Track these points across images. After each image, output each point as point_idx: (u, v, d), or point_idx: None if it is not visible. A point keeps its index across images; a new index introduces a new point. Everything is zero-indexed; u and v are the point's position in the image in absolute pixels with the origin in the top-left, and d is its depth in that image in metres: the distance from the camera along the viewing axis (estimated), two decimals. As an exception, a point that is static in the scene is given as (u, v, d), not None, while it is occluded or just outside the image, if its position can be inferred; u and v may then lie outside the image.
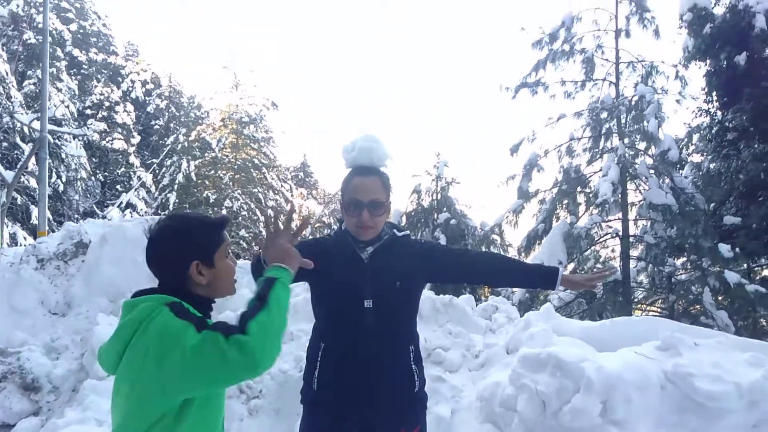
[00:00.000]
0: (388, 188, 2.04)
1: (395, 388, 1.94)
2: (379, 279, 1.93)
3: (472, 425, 3.80)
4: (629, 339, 4.16)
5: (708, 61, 10.28)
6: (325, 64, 69.24)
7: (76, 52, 25.22)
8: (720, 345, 3.82)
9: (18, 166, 16.71)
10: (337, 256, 1.97)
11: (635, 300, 10.33)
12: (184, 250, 1.43)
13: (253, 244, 23.52)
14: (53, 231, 14.22)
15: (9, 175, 15.04)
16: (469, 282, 2.08)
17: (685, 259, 10.03)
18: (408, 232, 2.15)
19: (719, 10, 10.32)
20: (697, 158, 11.38)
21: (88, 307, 5.30)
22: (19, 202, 19.95)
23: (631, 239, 9.85)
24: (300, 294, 5.50)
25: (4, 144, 19.53)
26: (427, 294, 5.30)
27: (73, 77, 24.64)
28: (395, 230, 2.08)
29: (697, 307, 9.52)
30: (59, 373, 4.72)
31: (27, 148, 19.74)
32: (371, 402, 1.90)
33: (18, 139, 20.20)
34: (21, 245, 14.71)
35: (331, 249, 2.00)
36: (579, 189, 10.10)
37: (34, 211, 19.50)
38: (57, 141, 20.88)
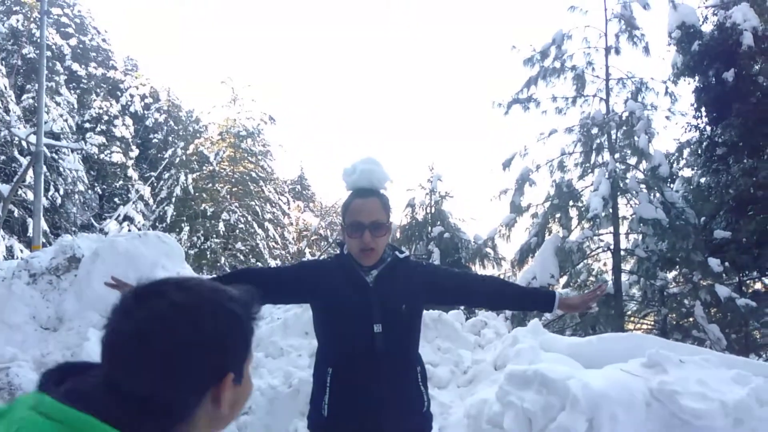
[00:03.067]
0: (389, 209, 2.06)
1: (406, 410, 1.95)
2: (387, 303, 1.93)
3: None
4: (616, 355, 4.17)
5: (697, 78, 10.43)
6: (321, 78, 69.72)
7: (75, 66, 25.41)
8: (706, 362, 3.81)
9: (14, 179, 16.77)
10: (341, 281, 1.97)
11: (628, 313, 10.37)
12: (221, 354, 0.79)
13: (250, 256, 23.53)
14: (50, 244, 14.26)
15: (5, 188, 15.11)
16: (467, 305, 2.11)
17: (676, 272, 10.09)
18: (408, 253, 2.16)
19: (707, 28, 10.51)
20: (687, 173, 11.51)
21: (79, 323, 5.31)
22: (16, 215, 19.97)
23: (622, 253, 9.92)
24: (290, 309, 5.54)
25: (2, 157, 19.60)
26: (415, 309, 5.32)
27: (72, 91, 24.79)
28: (396, 252, 2.08)
29: (690, 320, 9.56)
30: (49, 389, 4.76)
31: (25, 161, 19.81)
32: (382, 426, 1.90)
33: (16, 153, 20.29)
34: (17, 258, 14.73)
35: (334, 272, 2.01)
36: (571, 203, 10.17)
37: (31, 224, 19.51)
38: (55, 155, 20.96)
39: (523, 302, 2.25)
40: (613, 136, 10.01)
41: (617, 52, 10.29)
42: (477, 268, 12.12)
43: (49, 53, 16.28)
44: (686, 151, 11.25)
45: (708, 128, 10.60)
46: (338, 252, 2.09)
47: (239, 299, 0.85)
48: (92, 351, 4.78)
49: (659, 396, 3.35)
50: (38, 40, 16.09)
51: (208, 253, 22.31)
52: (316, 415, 1.98)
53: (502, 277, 10.97)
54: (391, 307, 1.93)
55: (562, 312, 2.19)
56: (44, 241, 15.32)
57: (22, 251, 19.28)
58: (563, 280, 10.31)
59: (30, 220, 20.12)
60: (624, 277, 10.10)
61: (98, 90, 26.12)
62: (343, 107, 67.29)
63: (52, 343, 5.27)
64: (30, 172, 15.28)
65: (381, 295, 1.94)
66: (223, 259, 22.33)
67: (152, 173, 26.06)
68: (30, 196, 19.57)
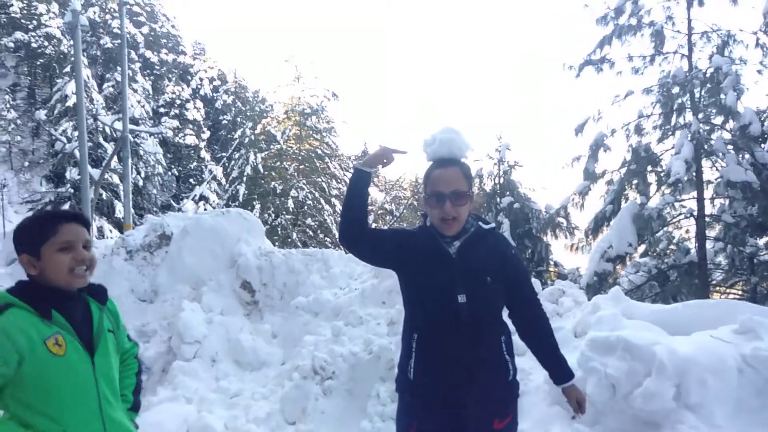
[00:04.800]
0: (470, 178, 2.04)
1: (490, 380, 1.95)
2: (470, 274, 1.93)
3: (541, 407, 3.80)
4: (703, 323, 4.02)
5: (793, 26, 9.55)
6: (382, 50, 69.21)
7: (148, 53, 26.62)
8: (803, 327, 3.69)
9: (103, 164, 17.94)
10: (424, 251, 1.98)
11: (713, 282, 9.86)
12: (16, 243, 1.72)
13: (319, 232, 24.12)
14: (135, 224, 15.24)
15: (95, 173, 16.22)
16: (509, 314, 2.02)
17: (767, 238, 9.46)
18: (493, 225, 2.13)
19: (805, -30, 9.53)
20: (781, 131, 10.62)
21: (172, 295, 5.71)
22: (104, 198, 21.42)
23: (707, 219, 9.39)
24: (367, 280, 5.68)
25: (89, 144, 20.95)
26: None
27: (147, 78, 26.03)
28: (480, 223, 2.07)
29: (782, 289, 9.00)
30: (150, 355, 5.15)
31: (109, 147, 21.13)
32: (466, 394, 1.91)
33: (101, 139, 21.65)
34: (108, 238, 15.85)
35: (418, 242, 2.01)
36: (649, 168, 9.69)
37: (118, 205, 20.90)
38: (135, 139, 22.21)
39: (544, 355, 2.12)
40: (697, 95, 9.39)
41: (701, 3, 9.56)
42: (549, 239, 11.87)
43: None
44: (780, 107, 10.39)
45: (805, 81, 9.73)
46: (422, 223, 2.09)
47: (41, 214, 1.74)
48: (187, 320, 5.13)
49: (752, 362, 3.25)
50: (114, 30, 16.94)
51: (279, 229, 23.08)
52: (402, 377, 2.02)
53: (574, 246, 10.70)
54: (475, 278, 1.93)
55: (562, 390, 2.11)
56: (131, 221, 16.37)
57: (111, 231, 20.72)
58: (641, 248, 9.92)
59: (117, 202, 21.55)
60: (709, 245, 9.57)
61: (170, 75, 27.29)
62: (405, 79, 66.64)
63: (150, 314, 5.71)
64: (114, 157, 16.28)
65: (464, 266, 1.94)
66: (294, 234, 23.03)
67: (223, 154, 27.10)
68: (115, 179, 20.91)
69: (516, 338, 2.11)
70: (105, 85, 24.37)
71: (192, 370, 4.77)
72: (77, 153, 11.83)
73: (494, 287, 1.97)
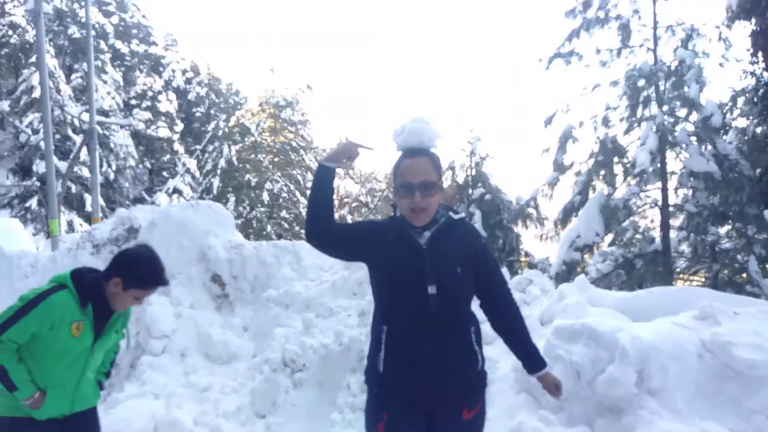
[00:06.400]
0: (439, 168, 2.02)
1: (459, 371, 1.95)
2: (440, 265, 1.92)
3: (508, 395, 3.89)
4: (666, 309, 4.12)
5: (753, 20, 9.79)
6: (358, 39, 68.84)
7: (118, 44, 25.99)
8: (761, 313, 3.77)
9: (71, 156, 17.55)
10: (394, 242, 1.96)
11: (677, 270, 10.15)
12: (122, 267, 2.27)
13: (294, 224, 24.04)
14: (106, 217, 14.98)
15: (63, 165, 15.87)
16: (481, 303, 1.98)
17: (729, 227, 9.75)
18: (463, 215, 2.11)
19: (765, -35, 9.78)
20: (741, 123, 10.91)
21: (141, 289, 5.66)
22: (74, 191, 20.94)
23: (671, 209, 9.64)
24: (338, 272, 5.72)
25: (57, 136, 20.43)
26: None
27: (117, 69, 25.45)
28: (451, 213, 2.05)
29: (743, 276, 9.29)
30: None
31: (78, 139, 20.67)
32: (436, 386, 1.92)
33: (69, 131, 21.14)
34: (77, 232, 15.57)
35: (387, 233, 1.99)
36: (616, 159, 9.89)
37: (88, 199, 20.49)
38: (105, 131, 21.74)
39: (518, 346, 2.13)
40: (661, 88, 9.59)
41: (666, -3, 9.77)
42: (519, 229, 12.05)
43: (93, 32, 16.77)
44: (741, 100, 10.65)
45: (765, 74, 10.03)
46: (392, 214, 2.09)
47: (152, 269, 2.33)
48: (155, 315, 5.11)
49: (712, 347, 3.36)
50: (83, 20, 16.54)
51: (253, 222, 22.92)
52: (372, 370, 2.02)
53: (544, 236, 10.89)
54: (445, 269, 1.92)
55: (537, 378, 2.13)
56: (101, 215, 16.09)
57: (81, 225, 20.31)
58: (608, 238, 10.14)
59: (87, 195, 21.13)
60: (673, 234, 9.83)
61: (141, 66, 26.72)
62: (392, 77, 66.36)
63: (118, 308, 5.66)
64: (84, 149, 15.96)
65: (434, 257, 1.93)
66: (269, 227, 22.90)
67: (197, 146, 26.72)
68: (85, 172, 20.47)
69: (484, 326, 2.12)
70: (73, 76, 23.76)
71: (160, 366, 4.76)
72: (43, 145, 11.58)
73: (464, 278, 1.96)
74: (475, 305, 2.08)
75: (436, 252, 1.94)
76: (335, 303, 5.26)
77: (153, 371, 4.68)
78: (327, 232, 1.97)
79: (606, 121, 10.00)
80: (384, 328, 1.95)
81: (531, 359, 2.12)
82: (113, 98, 23.34)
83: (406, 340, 1.92)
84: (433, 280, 1.89)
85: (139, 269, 2.25)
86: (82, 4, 16.00)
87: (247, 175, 24.05)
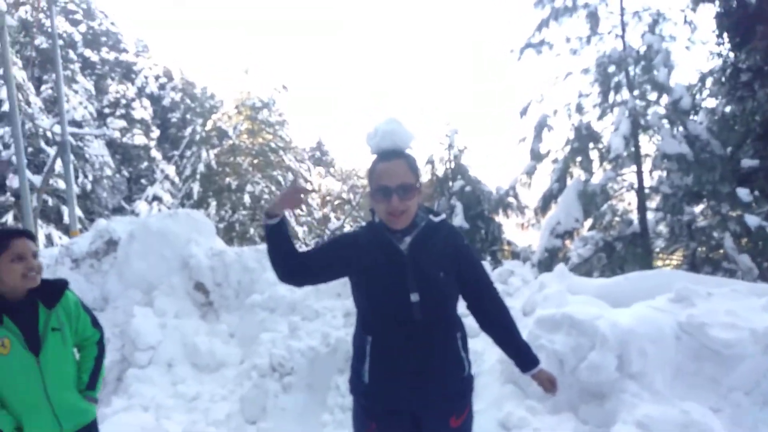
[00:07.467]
0: (416, 170, 1.94)
1: (446, 378, 1.91)
2: (422, 271, 1.86)
3: (494, 387, 3.90)
4: (643, 293, 4.18)
5: (717, 2, 10.00)
6: (327, 40, 68.50)
7: (88, 52, 25.57)
8: (734, 293, 3.87)
9: (44, 170, 17.23)
10: (374, 250, 1.90)
11: (656, 250, 10.34)
12: None
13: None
14: (86, 229, 14.77)
15: (37, 179, 15.60)
16: (468, 304, 1.93)
17: (704, 206, 9.96)
18: (444, 216, 2.04)
19: (727, -53, 9.97)
20: (710, 103, 11.13)
21: (123, 301, 5.60)
22: (51, 204, 20.60)
23: (647, 191, 9.82)
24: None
25: (29, 149, 20.05)
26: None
27: (89, 78, 25.05)
28: (431, 216, 1.97)
29: (719, 252, 9.51)
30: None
31: (51, 151, 20.31)
32: (423, 393, 1.89)
33: (42, 144, 20.77)
34: (56, 245, 15.32)
35: (366, 242, 1.93)
36: (591, 145, 10.04)
37: (66, 211, 20.17)
38: (80, 142, 21.40)
39: (509, 345, 2.08)
40: (631, 73, 9.76)
41: (631, -17, 9.91)
42: (501, 219, 12.17)
43: (61, 42, 16.43)
44: (709, 81, 10.86)
45: (731, 55, 10.22)
46: (370, 220, 2.01)
47: None
48: (139, 326, 5.07)
49: (688, 329, 3.44)
50: (49, 30, 16.22)
51: (236, 225, 22.77)
52: (357, 380, 1.98)
53: (525, 224, 11.02)
54: (428, 275, 1.87)
55: (531, 376, 2.08)
56: (80, 226, 15.86)
57: (60, 237, 20.00)
58: (588, 223, 10.30)
59: (64, 208, 20.80)
60: (650, 215, 10.02)
61: (113, 74, 26.33)
62: (351, 68, 66.13)
63: (101, 323, 5.60)
64: (59, 162, 15.70)
65: (416, 263, 1.87)
66: (252, 230, 22.77)
67: (175, 152, 26.44)
68: (61, 184, 20.14)
69: (468, 320, 2.08)
70: (43, 87, 23.32)
71: (147, 377, 4.73)
72: (15, 160, 11.37)
73: (448, 282, 1.91)
74: (463, 306, 2.04)
75: (418, 258, 1.88)
76: (320, 305, 5.27)
77: (140, 383, 4.65)
78: (296, 272, 1.95)
79: (580, 108, 10.14)
80: (369, 339, 1.92)
81: (523, 359, 2.07)
82: (85, 108, 22.97)
83: (392, 350, 1.88)
84: (416, 287, 1.85)
85: None
86: (48, 14, 15.72)
87: (228, 179, 23.86)
